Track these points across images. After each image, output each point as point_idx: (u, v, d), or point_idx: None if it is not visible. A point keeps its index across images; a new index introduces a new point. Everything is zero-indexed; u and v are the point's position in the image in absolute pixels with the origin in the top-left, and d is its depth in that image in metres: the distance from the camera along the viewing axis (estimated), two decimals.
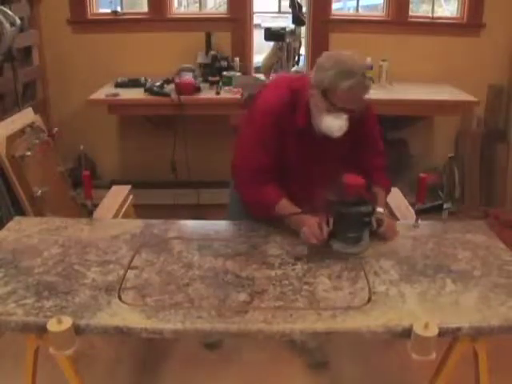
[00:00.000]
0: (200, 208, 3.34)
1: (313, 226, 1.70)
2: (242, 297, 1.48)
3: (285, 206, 1.78)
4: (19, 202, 2.47)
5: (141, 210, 2.65)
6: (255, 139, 1.81)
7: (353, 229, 1.68)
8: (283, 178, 1.86)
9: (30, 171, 2.53)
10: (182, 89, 3.13)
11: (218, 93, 3.21)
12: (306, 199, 1.82)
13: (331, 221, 1.68)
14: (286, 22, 3.55)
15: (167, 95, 3.14)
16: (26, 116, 2.74)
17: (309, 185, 1.85)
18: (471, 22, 3.61)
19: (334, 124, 1.70)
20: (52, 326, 1.31)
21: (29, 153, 2.52)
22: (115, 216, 2.24)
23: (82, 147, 2.40)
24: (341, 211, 1.66)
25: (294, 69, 3.49)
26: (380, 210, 1.79)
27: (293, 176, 1.89)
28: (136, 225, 1.92)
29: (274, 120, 1.77)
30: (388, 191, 2.00)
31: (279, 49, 3.36)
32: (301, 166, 1.87)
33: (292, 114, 1.77)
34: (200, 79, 3.37)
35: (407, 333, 1.35)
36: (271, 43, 3.45)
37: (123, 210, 2.39)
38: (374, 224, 1.73)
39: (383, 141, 2.00)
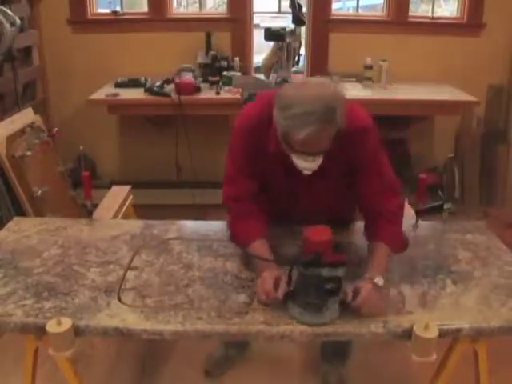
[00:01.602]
0: (200, 208, 3.34)
1: (267, 280, 1.41)
2: (242, 298, 1.48)
3: (258, 247, 1.53)
4: (19, 202, 2.47)
5: (141, 210, 2.66)
6: (233, 162, 1.63)
7: (313, 294, 1.35)
8: (272, 197, 1.67)
9: (30, 171, 2.53)
10: (181, 89, 3.13)
11: (217, 93, 3.21)
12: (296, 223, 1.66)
13: (294, 279, 1.40)
14: (286, 22, 3.55)
15: (167, 95, 3.14)
16: (26, 116, 2.74)
17: (298, 210, 1.70)
18: (471, 22, 3.60)
19: (301, 165, 1.45)
20: (51, 327, 1.31)
21: (29, 153, 2.52)
22: (115, 216, 2.25)
23: (81, 147, 2.40)
24: (299, 271, 1.37)
25: (293, 69, 3.49)
26: (370, 276, 1.43)
27: (282, 197, 1.70)
28: (136, 225, 1.92)
29: (245, 139, 1.56)
30: (396, 249, 1.56)
31: (279, 49, 3.35)
32: (289, 189, 1.66)
33: (270, 130, 1.48)
34: (200, 79, 3.36)
35: (407, 334, 1.35)
36: (271, 43, 3.45)
37: (123, 210, 2.39)
38: (349, 294, 1.39)
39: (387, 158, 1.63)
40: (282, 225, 1.72)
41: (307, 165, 1.45)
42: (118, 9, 3.62)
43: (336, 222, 1.60)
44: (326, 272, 1.33)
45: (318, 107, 1.32)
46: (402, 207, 1.63)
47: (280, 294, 1.39)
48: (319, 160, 1.44)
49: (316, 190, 1.62)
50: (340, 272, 1.35)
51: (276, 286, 1.41)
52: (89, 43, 3.56)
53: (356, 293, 1.39)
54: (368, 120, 1.55)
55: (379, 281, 1.43)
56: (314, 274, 1.34)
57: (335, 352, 2.09)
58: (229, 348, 2.18)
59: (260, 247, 1.54)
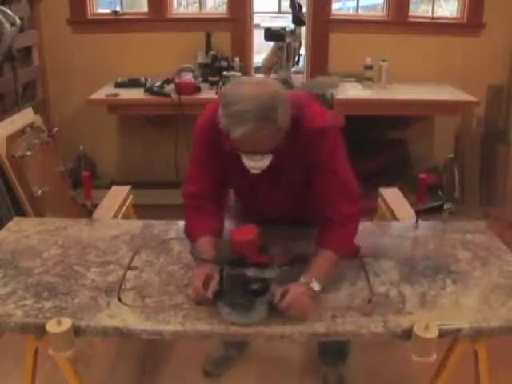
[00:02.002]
0: None
1: (198, 277, 1.43)
2: None
3: (202, 243, 1.53)
4: (19, 202, 2.47)
5: (141, 210, 2.65)
6: (193, 162, 1.65)
7: (239, 294, 1.36)
8: (238, 196, 1.75)
9: (30, 171, 2.53)
10: (181, 89, 3.13)
11: (218, 93, 3.21)
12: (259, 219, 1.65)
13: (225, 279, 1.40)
14: (286, 22, 3.55)
15: (167, 95, 3.14)
16: (26, 116, 2.74)
17: (261, 209, 1.70)
18: (471, 22, 3.60)
19: (248, 164, 1.45)
20: (51, 327, 1.31)
21: (29, 153, 2.52)
22: (115, 216, 2.24)
23: (81, 147, 2.40)
24: (220, 270, 1.39)
25: (293, 69, 3.49)
26: (306, 280, 1.42)
27: (242, 195, 1.76)
28: (136, 225, 1.92)
29: (204, 138, 1.57)
30: (342, 254, 1.51)
31: (279, 49, 3.35)
32: (249, 188, 1.66)
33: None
34: (200, 79, 3.36)
35: (407, 334, 1.35)
36: (271, 43, 3.45)
37: (123, 210, 2.38)
38: (277, 295, 1.38)
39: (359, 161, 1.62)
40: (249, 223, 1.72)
41: (254, 164, 1.44)
42: (118, 9, 3.62)
43: (302, 222, 1.60)
44: (251, 272, 1.34)
45: (255, 105, 1.32)
46: (356, 214, 1.56)
47: (209, 292, 1.39)
48: (267, 160, 1.43)
49: (274, 190, 1.62)
50: (267, 273, 1.36)
51: (207, 284, 1.41)
52: (89, 43, 3.55)
53: (284, 295, 1.38)
54: (325, 121, 1.52)
55: (315, 286, 1.42)
56: (239, 274, 1.35)
57: (333, 351, 2.09)
58: (228, 348, 2.18)
59: (205, 244, 1.53)
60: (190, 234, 1.63)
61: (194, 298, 1.43)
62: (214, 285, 1.40)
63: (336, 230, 1.50)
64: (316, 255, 1.49)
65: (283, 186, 1.61)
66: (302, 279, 1.43)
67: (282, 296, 1.38)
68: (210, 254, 1.47)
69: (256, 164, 1.44)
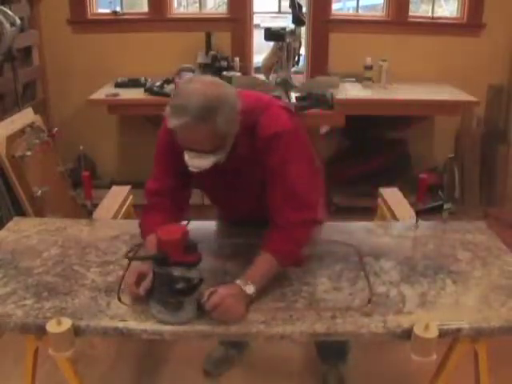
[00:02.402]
0: (200, 208, 3.33)
1: (131, 274, 1.47)
2: None
3: (149, 242, 1.52)
4: (19, 202, 2.48)
5: (141, 210, 2.65)
6: (157, 161, 1.66)
7: (167, 293, 1.35)
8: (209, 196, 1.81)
9: (30, 171, 2.53)
10: None
11: None
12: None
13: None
14: (286, 22, 3.55)
15: (167, 95, 3.13)
16: (26, 116, 2.74)
17: (227, 209, 1.77)
18: (471, 22, 3.60)
19: (187, 161, 1.46)
20: (51, 327, 1.31)
21: (29, 153, 2.52)
22: (115, 216, 2.24)
23: (81, 147, 2.40)
24: (153, 269, 1.38)
25: (293, 69, 3.49)
26: (239, 282, 1.41)
27: (209, 197, 1.82)
28: (135, 225, 1.90)
29: (168, 138, 1.54)
30: (283, 262, 1.49)
31: (279, 49, 3.35)
32: (211, 188, 1.72)
33: None
34: None
35: (407, 334, 1.34)
36: (271, 43, 3.44)
37: (123, 210, 2.38)
38: (205, 295, 1.37)
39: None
40: (219, 223, 1.83)
41: (191, 162, 1.45)
42: (118, 9, 3.62)
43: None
44: (176, 271, 1.33)
45: (194, 103, 1.34)
46: (304, 221, 1.51)
47: (141, 290, 1.40)
48: (207, 160, 1.43)
49: (234, 191, 1.64)
50: (194, 273, 1.35)
51: (140, 281, 1.42)
52: (89, 43, 3.56)
53: (212, 295, 1.37)
54: (276, 127, 1.49)
55: (248, 289, 1.40)
56: (165, 273, 1.34)
57: (333, 351, 2.09)
58: (228, 348, 2.18)
59: (151, 241, 1.51)
60: (142, 230, 1.65)
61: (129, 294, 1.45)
62: (146, 283, 1.41)
63: (279, 235, 1.48)
64: (256, 258, 1.48)
65: (243, 188, 1.62)
66: (237, 281, 1.42)
67: (210, 296, 1.37)
68: (150, 252, 1.47)
69: (192, 162, 1.45)
